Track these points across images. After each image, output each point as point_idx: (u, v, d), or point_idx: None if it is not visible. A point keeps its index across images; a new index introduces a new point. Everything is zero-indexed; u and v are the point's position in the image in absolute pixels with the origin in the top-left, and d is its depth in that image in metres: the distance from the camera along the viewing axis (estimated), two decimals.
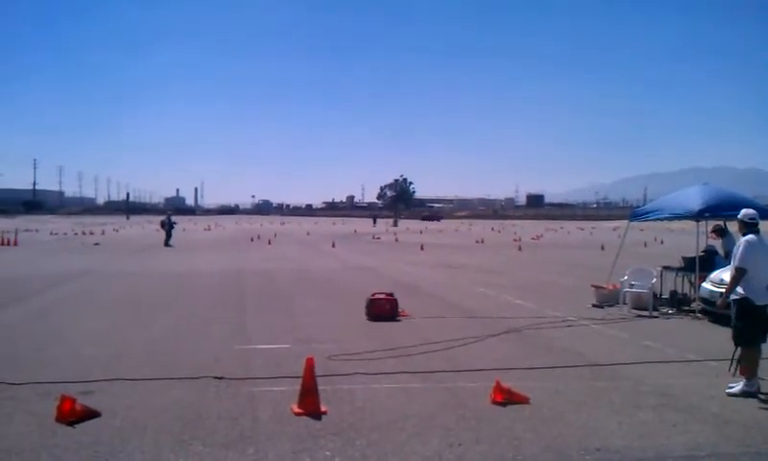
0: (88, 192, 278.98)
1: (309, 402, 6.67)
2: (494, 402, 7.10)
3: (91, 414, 6.49)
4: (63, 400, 6.42)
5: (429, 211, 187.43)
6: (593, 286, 15.47)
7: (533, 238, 53.85)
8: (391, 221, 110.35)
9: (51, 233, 57.26)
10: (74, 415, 6.35)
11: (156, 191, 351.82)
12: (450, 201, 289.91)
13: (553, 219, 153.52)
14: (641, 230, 52.12)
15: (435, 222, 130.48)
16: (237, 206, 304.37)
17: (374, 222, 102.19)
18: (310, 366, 6.78)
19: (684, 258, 15.72)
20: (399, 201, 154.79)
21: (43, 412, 6.61)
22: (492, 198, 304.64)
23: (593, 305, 14.72)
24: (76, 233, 56.99)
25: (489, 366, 8.85)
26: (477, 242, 47.49)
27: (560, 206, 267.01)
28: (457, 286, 18.95)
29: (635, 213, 17.32)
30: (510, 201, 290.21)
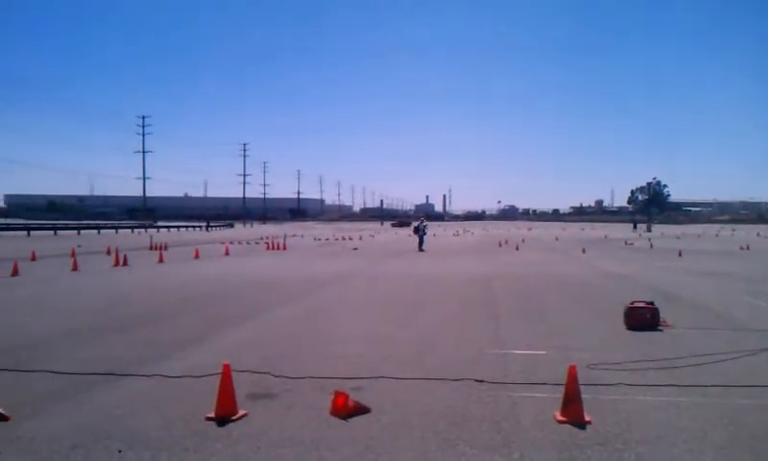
0: (345, 200, 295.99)
1: (573, 410, 6.57)
2: None
3: (362, 409, 6.85)
4: (338, 396, 6.83)
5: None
6: None
7: None
8: (643, 226, 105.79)
9: (314, 239, 61.41)
10: (347, 410, 6.74)
11: (407, 198, 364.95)
12: (709, 204, 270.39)
13: None
14: None
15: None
16: (483, 211, 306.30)
17: (635, 226, 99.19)
18: (573, 374, 6.67)
19: None
20: (652, 204, 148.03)
21: (319, 405, 7.08)
22: (756, 201, 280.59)
23: None
24: (336, 239, 60.71)
25: (763, 382, 8.15)
26: (741, 248, 44.06)
27: None
28: (722, 295, 17.67)
29: None
30: None
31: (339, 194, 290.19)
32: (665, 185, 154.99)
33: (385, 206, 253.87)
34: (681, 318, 13.23)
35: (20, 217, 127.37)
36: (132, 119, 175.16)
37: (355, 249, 42.85)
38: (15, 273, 22.44)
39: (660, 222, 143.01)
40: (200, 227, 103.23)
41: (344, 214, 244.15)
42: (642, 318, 12.22)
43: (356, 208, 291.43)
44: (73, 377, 8.31)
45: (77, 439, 6.06)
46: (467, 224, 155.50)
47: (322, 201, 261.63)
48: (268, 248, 43.45)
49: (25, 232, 65.11)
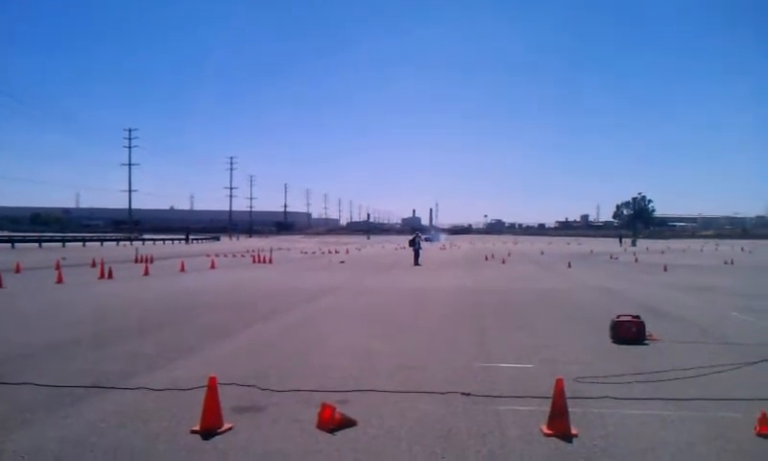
0: (332, 214, 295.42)
1: (559, 424, 6.57)
2: (759, 435, 6.57)
3: (349, 422, 6.83)
4: (324, 409, 6.81)
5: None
6: None
7: None
8: (629, 241, 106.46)
9: (301, 252, 61.35)
10: (333, 422, 6.72)
11: (395, 212, 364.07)
12: (694, 219, 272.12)
13: None
14: None
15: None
16: (470, 225, 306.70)
17: (620, 241, 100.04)
18: (560, 387, 6.68)
19: None
20: (638, 219, 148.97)
21: (305, 419, 7.05)
22: (740, 216, 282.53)
23: None
24: (323, 252, 60.67)
25: (748, 396, 8.19)
26: (725, 263, 44.38)
27: None
28: (707, 310, 17.78)
29: None
30: (761, 219, 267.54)
31: (326, 208, 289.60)
32: (650, 201, 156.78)
33: (372, 219, 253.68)
34: (666, 332, 13.29)
35: (5, 229, 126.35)
36: (119, 132, 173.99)
37: (342, 262, 42.81)
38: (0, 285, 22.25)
39: (646, 237, 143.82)
40: (183, 239, 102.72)
41: (330, 228, 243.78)
42: (628, 332, 12.26)
43: (343, 222, 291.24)
44: (58, 390, 8.24)
45: (60, 452, 6.02)
46: (453, 238, 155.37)
47: (308, 214, 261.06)
48: (254, 261, 43.33)
49: (9, 245, 64.58)
